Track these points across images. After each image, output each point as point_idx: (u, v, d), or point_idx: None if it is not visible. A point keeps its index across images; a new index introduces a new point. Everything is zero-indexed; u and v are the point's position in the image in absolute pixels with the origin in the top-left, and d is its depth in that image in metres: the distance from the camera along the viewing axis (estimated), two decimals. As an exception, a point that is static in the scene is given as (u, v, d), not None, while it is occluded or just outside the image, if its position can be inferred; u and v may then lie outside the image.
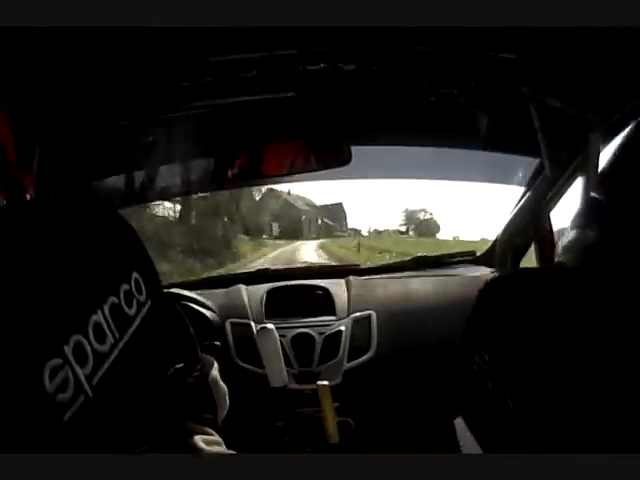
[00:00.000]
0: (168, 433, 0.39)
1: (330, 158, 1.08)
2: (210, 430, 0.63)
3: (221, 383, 0.70)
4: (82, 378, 0.27)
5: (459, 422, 1.05)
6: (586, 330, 0.30)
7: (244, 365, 1.12)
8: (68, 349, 0.26)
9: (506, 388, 0.34)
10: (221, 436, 0.62)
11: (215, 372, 0.70)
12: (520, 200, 1.31)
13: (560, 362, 0.30)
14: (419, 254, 1.68)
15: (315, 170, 1.09)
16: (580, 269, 0.67)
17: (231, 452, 0.64)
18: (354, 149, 1.05)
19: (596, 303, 0.30)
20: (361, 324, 1.21)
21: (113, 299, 0.30)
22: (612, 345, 0.28)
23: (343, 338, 1.18)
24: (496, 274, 1.43)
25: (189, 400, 0.62)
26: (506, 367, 0.34)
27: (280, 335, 1.14)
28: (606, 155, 0.63)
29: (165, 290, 0.53)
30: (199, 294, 1.21)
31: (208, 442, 0.61)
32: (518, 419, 0.32)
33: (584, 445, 0.28)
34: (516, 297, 0.36)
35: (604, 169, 0.51)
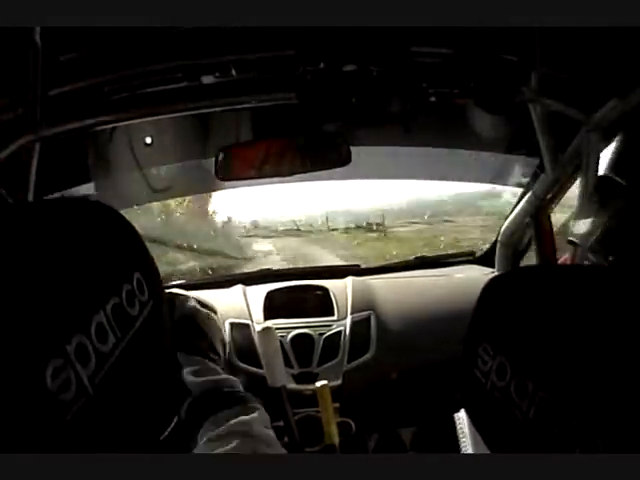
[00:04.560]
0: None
1: (330, 158, 1.08)
2: (199, 359, 0.65)
3: (204, 310, 0.72)
4: (84, 378, 0.27)
5: (459, 416, 1.04)
6: (593, 326, 0.30)
7: (243, 365, 1.12)
8: (70, 349, 0.26)
9: (510, 382, 0.34)
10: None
11: (192, 303, 0.71)
12: (520, 200, 1.31)
13: (565, 357, 0.31)
14: (419, 254, 1.68)
15: (315, 170, 1.09)
16: (584, 266, 0.67)
17: (227, 377, 0.65)
18: (354, 149, 1.05)
19: (602, 299, 0.30)
20: (361, 325, 1.21)
21: (115, 299, 0.30)
22: (617, 341, 0.28)
23: (343, 339, 1.18)
24: (502, 271, 1.43)
25: (175, 334, 0.62)
26: (510, 361, 0.34)
27: (280, 335, 1.14)
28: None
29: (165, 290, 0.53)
30: (199, 294, 1.21)
31: (197, 373, 0.63)
32: (522, 412, 0.33)
33: (588, 438, 0.28)
34: (522, 293, 0.36)
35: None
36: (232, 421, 0.56)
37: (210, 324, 0.72)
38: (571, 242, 0.84)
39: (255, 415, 0.58)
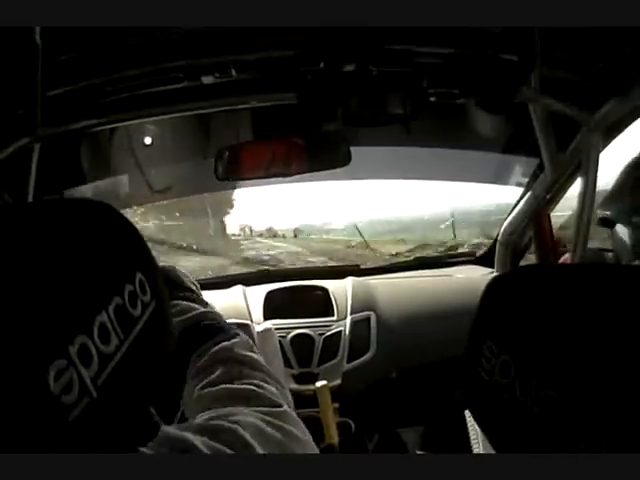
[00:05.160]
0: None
1: (330, 158, 1.08)
2: (174, 302, 0.65)
3: (165, 264, 0.72)
4: (87, 379, 0.26)
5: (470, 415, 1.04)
6: (596, 324, 0.30)
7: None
8: (73, 350, 0.26)
9: (514, 380, 0.34)
10: None
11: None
12: (520, 200, 1.31)
13: (569, 354, 0.31)
14: (419, 255, 1.68)
15: (315, 171, 1.09)
16: (588, 265, 0.67)
17: (205, 310, 0.65)
18: (354, 149, 1.05)
19: (606, 298, 0.30)
20: (361, 325, 1.21)
21: (118, 300, 0.30)
22: (620, 339, 0.28)
23: (342, 339, 1.18)
24: (501, 271, 1.43)
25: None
26: (514, 359, 0.34)
27: (280, 336, 1.14)
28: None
29: None
30: None
31: (174, 315, 0.61)
32: (526, 410, 0.33)
33: (592, 436, 0.28)
34: (525, 291, 0.37)
35: None
36: (214, 349, 0.56)
37: (175, 270, 0.72)
38: (605, 220, 0.86)
39: (235, 340, 0.58)
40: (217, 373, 0.53)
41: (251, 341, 0.61)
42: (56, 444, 0.24)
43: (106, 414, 0.28)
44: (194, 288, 0.72)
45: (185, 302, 0.66)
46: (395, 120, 0.91)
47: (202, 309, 0.65)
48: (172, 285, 0.69)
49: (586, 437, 0.29)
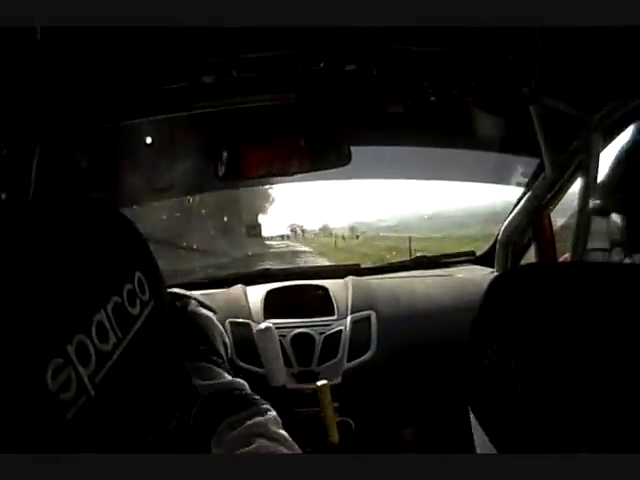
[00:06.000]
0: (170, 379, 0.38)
1: (330, 158, 1.08)
2: (204, 364, 0.65)
3: (203, 312, 0.72)
4: (85, 377, 0.27)
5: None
6: (599, 323, 0.30)
7: (243, 365, 1.12)
8: (71, 349, 0.26)
9: (516, 379, 0.34)
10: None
11: (193, 306, 0.71)
12: (520, 200, 1.31)
13: (572, 354, 0.31)
14: (419, 254, 1.68)
15: (315, 170, 1.09)
16: (588, 263, 0.67)
17: (235, 379, 0.66)
18: (354, 149, 1.05)
19: (609, 296, 0.30)
20: (361, 324, 1.21)
21: (116, 299, 0.31)
22: (623, 338, 0.28)
23: (343, 338, 1.18)
24: (501, 271, 1.43)
25: (177, 339, 0.63)
26: (516, 359, 0.35)
27: (280, 335, 1.14)
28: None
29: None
30: (199, 294, 1.21)
31: (203, 378, 0.63)
32: (528, 409, 0.33)
33: (595, 436, 0.28)
34: (527, 291, 0.37)
35: None
36: (248, 422, 0.57)
37: (211, 326, 0.72)
38: (599, 209, 0.85)
39: (269, 416, 0.59)
40: (253, 446, 0.53)
41: (279, 418, 0.62)
42: (54, 441, 0.25)
43: (104, 412, 0.28)
44: (221, 345, 0.71)
45: (215, 367, 0.66)
46: (395, 120, 0.91)
47: (231, 378, 0.66)
48: (200, 340, 0.69)
49: (587, 437, 0.29)
